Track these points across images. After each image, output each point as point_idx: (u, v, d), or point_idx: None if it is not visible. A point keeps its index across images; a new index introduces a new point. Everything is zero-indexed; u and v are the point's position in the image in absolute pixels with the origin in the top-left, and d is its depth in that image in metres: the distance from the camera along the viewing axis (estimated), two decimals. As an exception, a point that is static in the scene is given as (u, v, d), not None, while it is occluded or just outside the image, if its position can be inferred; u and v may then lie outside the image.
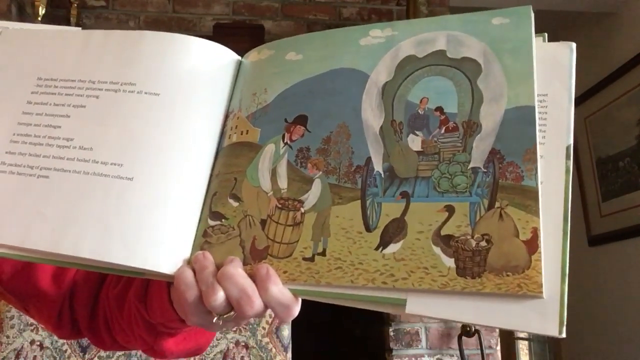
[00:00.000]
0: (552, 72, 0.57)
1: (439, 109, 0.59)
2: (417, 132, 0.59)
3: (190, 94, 0.69)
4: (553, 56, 0.58)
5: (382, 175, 0.58)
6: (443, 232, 0.53)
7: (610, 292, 3.10)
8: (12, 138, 0.67)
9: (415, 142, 0.59)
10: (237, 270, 0.56)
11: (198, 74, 0.71)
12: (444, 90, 0.59)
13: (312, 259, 0.57)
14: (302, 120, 0.65)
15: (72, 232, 0.61)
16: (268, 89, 0.68)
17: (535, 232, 0.50)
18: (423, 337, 2.30)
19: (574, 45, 0.58)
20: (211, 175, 0.67)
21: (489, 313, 0.50)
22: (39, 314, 0.82)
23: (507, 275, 0.49)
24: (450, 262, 0.52)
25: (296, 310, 0.57)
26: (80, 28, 0.76)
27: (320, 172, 0.60)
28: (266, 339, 1.47)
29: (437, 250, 0.53)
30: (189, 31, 2.58)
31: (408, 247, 0.54)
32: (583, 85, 3.19)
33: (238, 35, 2.47)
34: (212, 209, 0.63)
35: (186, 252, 0.62)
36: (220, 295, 0.55)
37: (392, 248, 0.55)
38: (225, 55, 0.74)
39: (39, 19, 2.39)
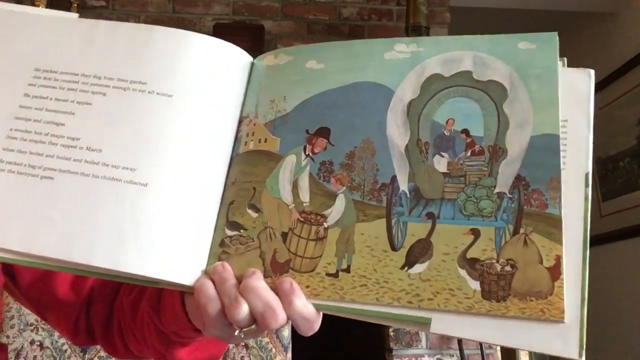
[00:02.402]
0: (572, 99, 0.58)
1: (465, 132, 0.59)
2: (443, 154, 0.59)
3: (204, 96, 0.67)
4: (573, 82, 0.59)
5: (408, 195, 0.59)
6: (469, 255, 0.54)
7: (610, 292, 3.12)
8: (9, 134, 0.63)
9: (441, 164, 0.59)
10: (260, 283, 0.56)
11: (211, 74, 0.68)
12: (470, 113, 0.60)
13: (336, 275, 0.57)
14: (324, 132, 0.64)
15: (84, 239, 0.58)
16: (287, 97, 0.66)
17: (558, 260, 0.53)
18: (423, 337, 2.33)
19: (592, 72, 0.59)
20: (226, 183, 0.65)
21: (512, 335, 0.51)
22: (56, 321, 0.83)
23: (531, 300, 0.51)
24: (475, 285, 0.53)
25: (318, 324, 0.58)
26: (77, 15, 0.74)
27: (344, 188, 0.60)
28: (266, 339, 1.48)
29: (463, 272, 0.54)
30: (189, 31, 2.57)
31: (434, 268, 0.55)
32: None
33: (238, 35, 2.48)
34: (229, 219, 0.62)
35: (202, 262, 0.61)
36: (244, 309, 0.55)
37: (418, 268, 0.56)
38: (238, 56, 0.71)
39: (39, 18, 2.38)
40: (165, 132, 0.64)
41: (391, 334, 2.36)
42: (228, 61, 0.70)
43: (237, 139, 0.66)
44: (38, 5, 2.53)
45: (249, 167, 0.65)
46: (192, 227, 0.61)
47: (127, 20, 2.67)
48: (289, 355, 1.53)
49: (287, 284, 0.56)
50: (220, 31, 2.50)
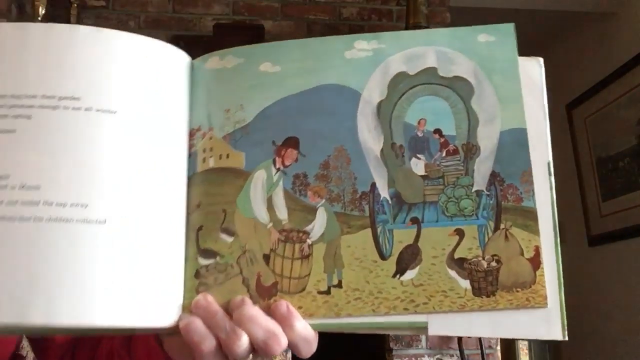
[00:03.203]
0: (526, 88, 0.61)
1: (438, 131, 0.61)
2: (419, 156, 0.61)
3: (151, 108, 0.60)
4: (525, 72, 0.62)
5: (390, 202, 0.60)
6: (456, 255, 0.58)
7: (610, 292, 3.20)
8: None
9: (418, 166, 0.60)
10: (257, 310, 0.56)
11: (153, 81, 0.61)
12: (440, 112, 0.61)
13: (328, 292, 0.58)
14: (293, 142, 0.62)
15: (40, 297, 0.51)
16: (245, 105, 0.63)
17: (537, 250, 0.57)
18: (423, 337, 2.33)
19: (541, 60, 0.62)
20: (188, 206, 0.61)
21: (503, 326, 0.56)
22: (43, 358, 0.83)
23: (517, 291, 0.56)
24: (466, 284, 0.57)
25: (316, 344, 0.58)
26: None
27: (323, 200, 0.60)
28: (266, 339, 1.44)
29: (453, 273, 0.57)
30: (189, 31, 2.63)
31: (425, 273, 0.57)
32: (583, 85, 3.25)
33: (238, 35, 2.51)
34: (200, 246, 0.60)
35: (178, 298, 0.58)
36: (244, 340, 0.55)
37: (410, 274, 0.57)
38: (177, 57, 0.64)
39: (39, 19, 2.41)
40: (115, 155, 0.56)
41: (391, 334, 2.34)
42: (168, 64, 0.63)
43: (190, 155, 0.62)
44: (38, 6, 2.53)
45: (213, 187, 0.61)
46: (162, 261, 0.57)
47: (127, 21, 2.70)
48: (289, 355, 1.52)
49: (284, 308, 0.57)
50: (220, 31, 2.61)
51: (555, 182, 0.59)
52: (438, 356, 2.54)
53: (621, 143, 3.33)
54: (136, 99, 0.58)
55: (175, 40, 2.80)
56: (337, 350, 2.90)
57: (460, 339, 2.45)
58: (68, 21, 2.81)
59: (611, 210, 3.41)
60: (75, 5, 2.85)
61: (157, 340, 0.64)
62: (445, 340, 2.53)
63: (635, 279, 3.27)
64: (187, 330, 0.55)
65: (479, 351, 2.50)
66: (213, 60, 0.64)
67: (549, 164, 0.59)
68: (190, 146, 0.62)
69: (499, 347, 2.65)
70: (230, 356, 0.55)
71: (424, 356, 2.53)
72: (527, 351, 3.98)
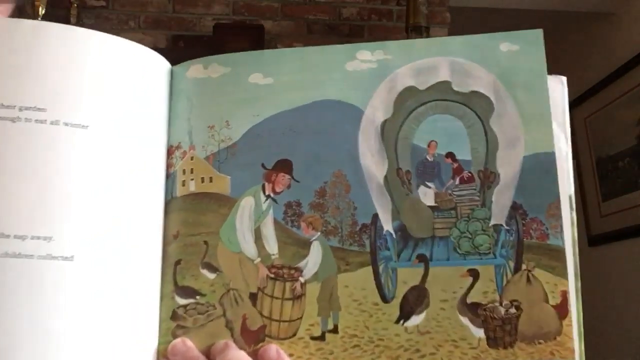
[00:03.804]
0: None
1: (451, 156, 0.54)
2: (428, 184, 0.54)
3: (127, 123, 0.52)
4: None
5: (394, 236, 0.53)
6: (469, 300, 0.51)
7: (610, 292, 3.19)
8: None
9: (427, 195, 0.53)
10: (242, 354, 0.50)
11: (131, 91, 0.52)
12: (453, 132, 0.54)
13: (322, 338, 0.51)
14: (285, 166, 0.55)
15: None
16: (231, 121, 0.56)
17: (565, 296, 0.49)
18: None
19: (564, 79, 0.55)
20: (165, 236, 0.54)
21: None
22: None
23: (539, 343, 0.49)
24: (479, 333, 0.50)
25: None
26: None
27: (318, 233, 0.54)
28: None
29: (465, 320, 0.50)
30: (189, 31, 2.59)
31: (432, 319, 0.51)
32: (583, 85, 3.23)
33: (238, 35, 2.45)
34: (178, 283, 0.54)
35: (152, 342, 0.51)
36: None
37: (415, 320, 0.51)
38: (156, 64, 0.56)
39: (39, 19, 2.36)
40: (85, 179, 0.48)
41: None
42: (147, 70, 0.54)
43: (168, 177, 0.55)
44: (38, 6, 2.49)
45: (193, 215, 0.54)
46: (135, 302, 0.50)
47: (127, 21, 2.66)
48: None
49: (273, 352, 0.50)
50: (220, 31, 2.60)
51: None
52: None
53: (621, 143, 3.40)
54: (111, 112, 0.50)
55: (175, 40, 2.78)
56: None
57: None
58: (68, 21, 2.79)
59: (611, 210, 3.47)
60: (75, 5, 2.98)
61: None
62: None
63: (635, 279, 3.32)
64: None
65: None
66: (195, 68, 0.56)
67: (570, 197, 0.52)
68: (168, 166, 0.54)
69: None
70: None
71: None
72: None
